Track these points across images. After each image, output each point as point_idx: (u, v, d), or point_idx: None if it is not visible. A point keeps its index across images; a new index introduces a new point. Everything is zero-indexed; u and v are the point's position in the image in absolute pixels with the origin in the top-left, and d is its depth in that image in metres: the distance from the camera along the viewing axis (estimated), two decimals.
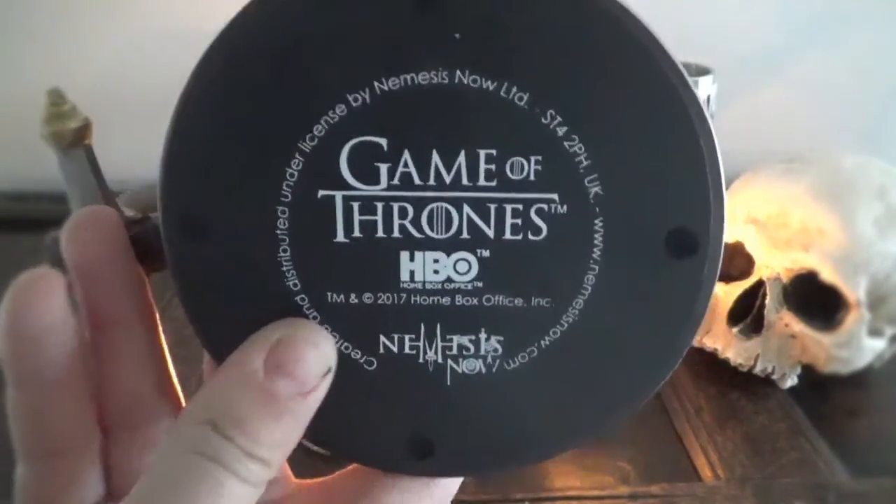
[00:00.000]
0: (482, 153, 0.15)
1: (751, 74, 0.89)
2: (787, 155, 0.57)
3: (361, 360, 0.16)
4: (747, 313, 0.53)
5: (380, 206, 0.15)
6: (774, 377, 0.53)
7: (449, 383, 0.16)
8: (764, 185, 0.55)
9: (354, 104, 0.15)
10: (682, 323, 0.16)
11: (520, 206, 0.15)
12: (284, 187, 0.15)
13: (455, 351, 0.16)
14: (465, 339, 0.16)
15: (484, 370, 0.16)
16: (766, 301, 0.52)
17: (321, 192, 0.15)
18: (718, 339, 0.54)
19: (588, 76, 0.14)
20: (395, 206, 0.15)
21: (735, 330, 0.53)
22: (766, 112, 0.92)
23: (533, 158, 0.15)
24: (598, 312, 0.15)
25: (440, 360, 0.16)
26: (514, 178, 0.15)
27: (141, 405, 0.18)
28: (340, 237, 0.15)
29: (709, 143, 0.15)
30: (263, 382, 0.14)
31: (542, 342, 0.16)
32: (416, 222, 0.15)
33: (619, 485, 0.46)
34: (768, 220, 0.53)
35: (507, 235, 0.15)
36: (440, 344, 0.16)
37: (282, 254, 0.15)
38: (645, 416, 0.52)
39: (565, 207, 0.15)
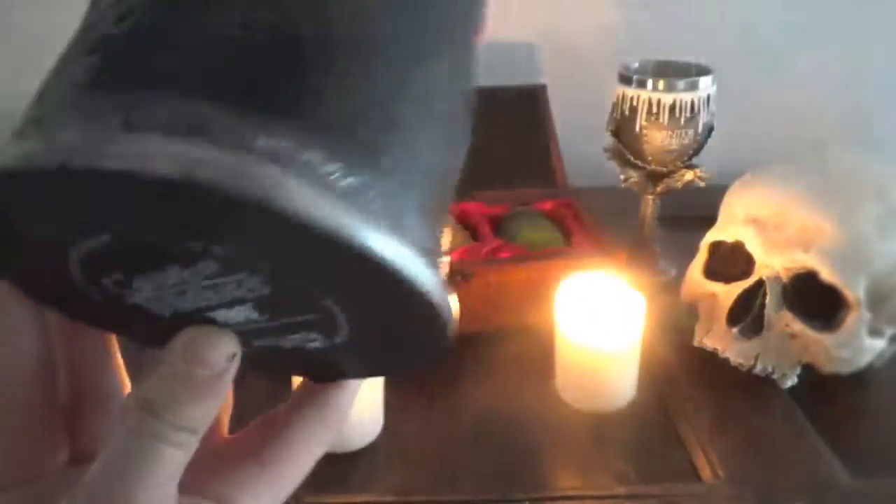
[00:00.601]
0: (169, 268, 0.17)
1: (751, 74, 0.89)
2: (788, 155, 0.57)
3: (254, 349, 0.20)
4: (747, 313, 0.53)
5: (154, 296, 0.18)
6: (774, 377, 0.53)
7: (311, 352, 0.20)
8: (764, 185, 0.55)
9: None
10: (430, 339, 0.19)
11: (231, 280, 0.17)
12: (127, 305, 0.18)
13: (298, 343, 0.20)
14: (296, 337, 0.20)
15: (325, 345, 0.20)
16: (766, 301, 0.52)
17: (130, 301, 0.19)
18: (718, 339, 0.54)
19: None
20: (167, 298, 0.18)
21: (735, 330, 0.53)
22: (766, 112, 0.92)
23: (202, 259, 0.16)
24: (361, 321, 0.19)
25: (295, 346, 0.20)
26: (203, 268, 0.17)
27: (99, 388, 0.22)
28: (164, 316, 0.19)
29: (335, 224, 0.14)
30: (184, 372, 0.18)
31: (344, 331, 0.19)
32: (187, 302, 0.18)
33: (619, 485, 0.46)
34: (768, 220, 0.53)
35: (247, 294, 0.18)
36: (283, 341, 0.20)
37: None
38: (645, 416, 0.52)
39: (258, 275, 0.17)
